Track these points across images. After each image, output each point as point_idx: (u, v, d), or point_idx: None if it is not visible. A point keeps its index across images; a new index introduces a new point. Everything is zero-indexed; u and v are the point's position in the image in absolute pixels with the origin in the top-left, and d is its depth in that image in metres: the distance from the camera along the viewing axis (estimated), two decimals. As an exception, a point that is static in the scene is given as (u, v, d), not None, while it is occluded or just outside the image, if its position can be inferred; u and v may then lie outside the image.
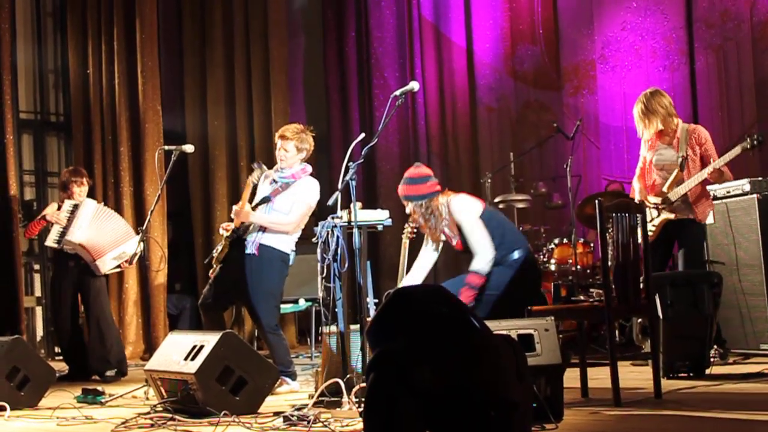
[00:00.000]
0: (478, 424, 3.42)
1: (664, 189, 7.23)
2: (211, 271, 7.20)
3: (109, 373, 8.33)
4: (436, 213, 6.81)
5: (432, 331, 3.48)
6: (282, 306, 9.82)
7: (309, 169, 7.24)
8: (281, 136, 7.09)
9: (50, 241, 8.48)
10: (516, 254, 6.78)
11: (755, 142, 6.93)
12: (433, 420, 3.42)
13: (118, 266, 8.52)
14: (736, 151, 6.98)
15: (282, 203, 7.01)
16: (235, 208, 7.06)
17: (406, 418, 3.35)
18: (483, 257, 6.68)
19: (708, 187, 7.47)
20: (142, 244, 7.87)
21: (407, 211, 6.90)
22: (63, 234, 8.41)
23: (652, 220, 7.25)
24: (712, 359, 7.12)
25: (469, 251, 6.82)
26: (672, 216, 7.21)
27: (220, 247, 7.13)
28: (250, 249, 6.97)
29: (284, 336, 7.22)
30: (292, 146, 7.07)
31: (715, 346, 7.21)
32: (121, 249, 8.38)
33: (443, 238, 6.95)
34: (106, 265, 8.39)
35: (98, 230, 8.42)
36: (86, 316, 8.61)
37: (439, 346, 3.44)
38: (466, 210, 6.80)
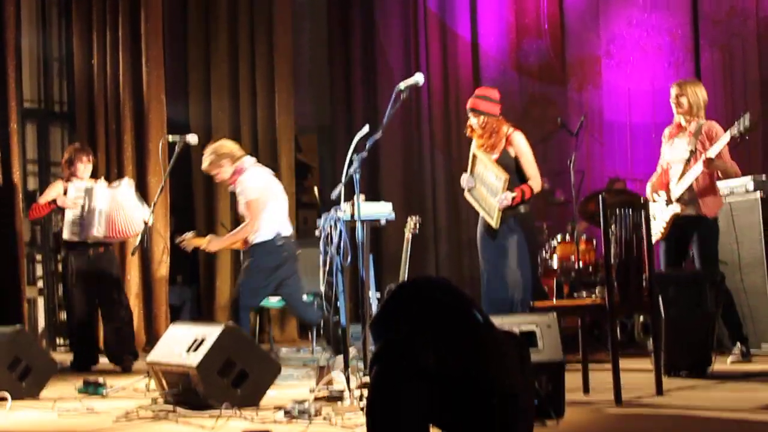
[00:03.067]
0: (479, 413, 3.45)
1: (672, 185, 7.24)
2: None
3: (128, 357, 8.41)
4: (497, 131, 7.26)
5: (436, 320, 3.50)
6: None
7: (241, 165, 7.66)
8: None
9: (69, 234, 8.49)
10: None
11: (742, 128, 6.87)
12: (436, 408, 3.45)
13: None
14: (725, 138, 6.94)
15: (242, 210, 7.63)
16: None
17: (411, 407, 3.37)
18: (537, 182, 7.21)
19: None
20: (144, 235, 7.85)
21: (473, 122, 7.31)
22: (81, 225, 8.41)
23: (662, 215, 7.27)
24: (732, 354, 7.21)
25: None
26: (678, 210, 7.18)
27: None
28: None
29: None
30: (215, 171, 7.71)
31: (738, 344, 7.23)
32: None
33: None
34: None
35: (116, 214, 8.39)
36: (103, 304, 8.62)
37: (442, 335, 3.46)
38: (526, 143, 7.32)
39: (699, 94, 7.21)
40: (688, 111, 7.19)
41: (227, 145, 7.73)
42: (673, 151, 7.28)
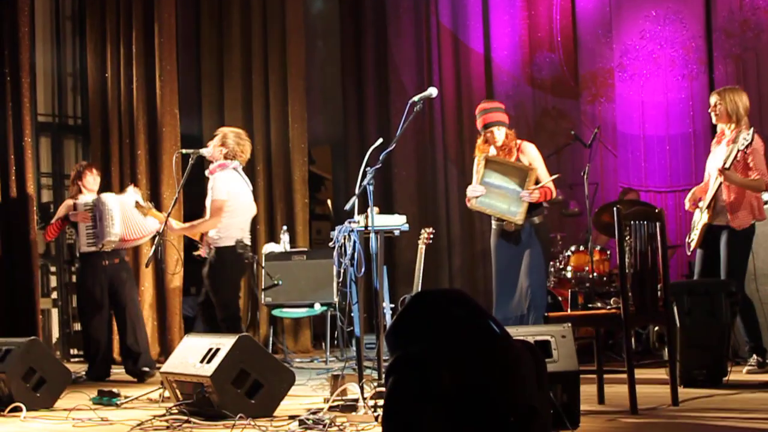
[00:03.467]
0: (497, 429, 3.42)
1: (709, 193, 7.21)
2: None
3: (146, 369, 8.44)
4: (513, 142, 7.38)
5: (452, 334, 3.48)
6: (297, 310, 10.04)
7: (228, 164, 7.75)
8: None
9: (85, 246, 8.56)
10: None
11: (744, 142, 6.86)
12: (453, 424, 3.41)
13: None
14: (733, 151, 6.92)
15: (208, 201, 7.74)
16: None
17: (426, 421, 3.35)
18: (553, 188, 7.30)
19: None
20: (158, 247, 7.89)
21: (498, 137, 7.37)
22: (96, 235, 8.47)
23: (698, 224, 7.29)
24: (749, 365, 7.18)
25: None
26: (707, 220, 7.17)
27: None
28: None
29: None
30: (217, 139, 7.85)
31: (755, 355, 7.21)
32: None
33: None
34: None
35: (128, 218, 8.48)
36: (120, 315, 8.68)
37: (458, 349, 3.44)
38: (537, 151, 7.47)
39: (737, 101, 7.14)
40: (726, 119, 7.15)
41: (243, 143, 7.86)
42: (714, 159, 7.25)
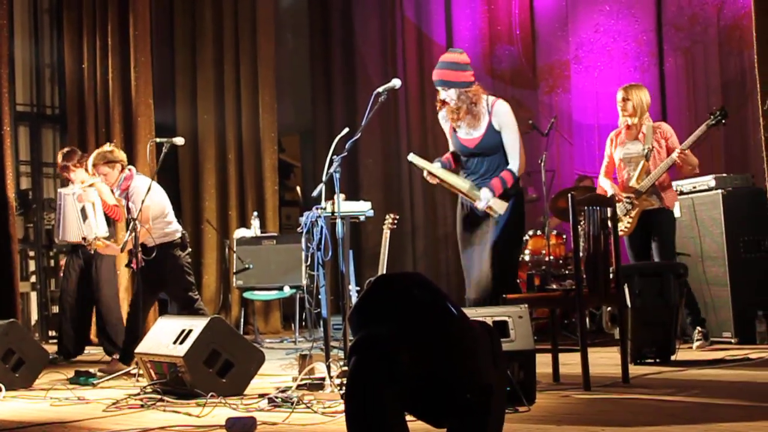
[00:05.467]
0: (455, 407, 3.46)
1: (632, 183, 7.45)
2: None
3: (116, 356, 8.44)
4: (477, 102, 6.44)
5: (412, 315, 3.47)
6: (267, 293, 10.10)
7: (131, 173, 7.65)
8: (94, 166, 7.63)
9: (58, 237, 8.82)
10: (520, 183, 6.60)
11: (719, 117, 7.20)
12: (412, 403, 3.47)
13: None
14: (702, 129, 7.26)
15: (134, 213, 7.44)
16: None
17: (387, 400, 3.35)
18: (519, 162, 6.37)
19: (675, 183, 7.74)
20: (133, 234, 8.06)
21: (443, 96, 6.47)
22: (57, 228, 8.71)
23: (628, 213, 7.46)
24: (697, 340, 7.40)
25: (477, 153, 6.50)
26: (647, 206, 7.43)
27: None
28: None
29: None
30: (104, 173, 7.59)
31: (699, 328, 7.47)
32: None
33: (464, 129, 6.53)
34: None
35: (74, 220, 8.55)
36: (96, 297, 8.84)
37: (418, 331, 3.44)
38: (511, 113, 6.50)
39: (643, 97, 7.52)
40: (633, 113, 7.49)
41: (118, 153, 7.73)
42: (627, 151, 7.55)
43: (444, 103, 6.49)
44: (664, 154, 7.43)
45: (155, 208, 7.50)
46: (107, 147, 7.76)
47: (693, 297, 7.63)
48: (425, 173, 6.57)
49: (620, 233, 7.44)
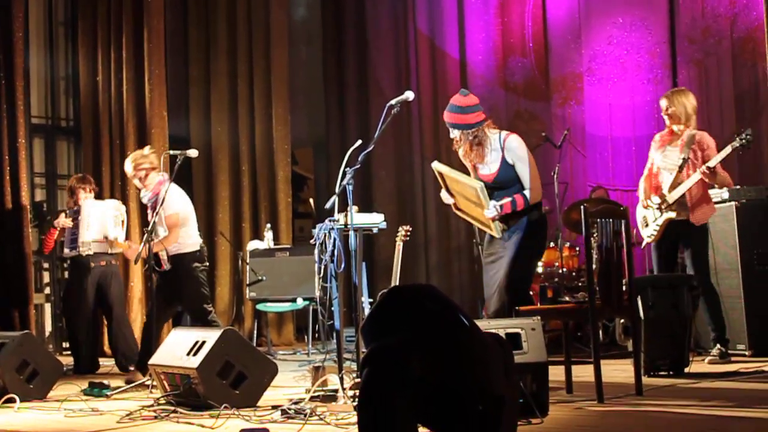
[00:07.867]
0: (466, 418, 3.47)
1: (665, 191, 7.38)
2: None
3: (132, 368, 8.42)
4: (484, 142, 6.44)
5: (425, 326, 3.51)
6: (280, 305, 10.08)
7: (164, 178, 7.70)
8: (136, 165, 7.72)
9: (67, 251, 8.83)
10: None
11: (744, 141, 7.10)
12: (424, 413, 3.49)
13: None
14: (727, 150, 7.15)
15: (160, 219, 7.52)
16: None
17: (400, 411, 3.37)
18: (535, 192, 6.37)
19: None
20: (147, 245, 8.09)
21: (452, 135, 6.54)
22: (75, 239, 8.73)
23: (656, 220, 7.42)
24: (712, 355, 7.32)
25: (496, 186, 6.47)
26: (674, 215, 7.33)
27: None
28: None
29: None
30: (141, 175, 7.68)
31: (718, 345, 7.38)
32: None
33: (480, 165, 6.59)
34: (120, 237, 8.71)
35: (103, 220, 8.69)
36: (108, 316, 8.91)
37: (430, 342, 3.47)
38: (523, 146, 6.47)
39: (686, 103, 7.36)
40: (677, 120, 7.36)
41: (155, 157, 7.80)
42: (665, 158, 7.44)
43: (457, 141, 6.56)
44: (700, 165, 7.29)
45: (182, 216, 7.58)
46: (146, 150, 7.89)
47: (720, 313, 7.51)
48: (442, 192, 6.67)
49: (648, 240, 7.53)
